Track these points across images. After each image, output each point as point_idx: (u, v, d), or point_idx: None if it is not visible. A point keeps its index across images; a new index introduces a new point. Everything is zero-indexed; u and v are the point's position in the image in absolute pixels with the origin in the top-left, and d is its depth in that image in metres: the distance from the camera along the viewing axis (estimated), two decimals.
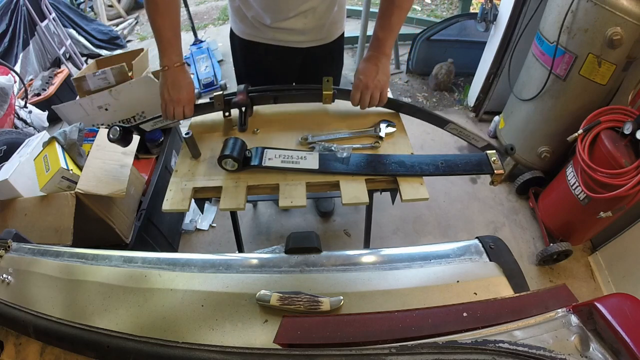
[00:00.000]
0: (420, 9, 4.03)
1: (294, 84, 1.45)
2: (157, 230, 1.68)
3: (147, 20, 4.46)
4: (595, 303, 0.39)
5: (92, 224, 1.32)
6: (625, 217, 1.48)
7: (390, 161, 1.04)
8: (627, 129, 1.31)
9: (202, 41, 3.19)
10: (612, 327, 0.37)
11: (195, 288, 0.58)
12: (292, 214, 2.04)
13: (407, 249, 0.64)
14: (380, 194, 1.12)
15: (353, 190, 0.99)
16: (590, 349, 0.37)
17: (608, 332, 0.37)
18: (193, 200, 1.04)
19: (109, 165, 1.32)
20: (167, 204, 1.00)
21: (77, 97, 1.71)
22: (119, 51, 3.40)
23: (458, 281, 0.56)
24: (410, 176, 1.01)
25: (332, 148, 1.07)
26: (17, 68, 2.78)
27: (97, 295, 0.59)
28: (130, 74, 1.72)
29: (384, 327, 0.42)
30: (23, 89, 2.50)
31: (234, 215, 1.34)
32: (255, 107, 1.20)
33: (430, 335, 0.39)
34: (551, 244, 1.66)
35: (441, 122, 1.12)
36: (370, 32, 3.09)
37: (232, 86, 2.99)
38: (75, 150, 1.34)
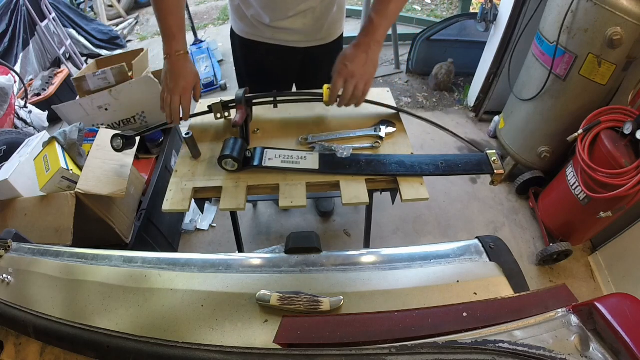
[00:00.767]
0: (420, 9, 4.02)
1: (294, 83, 1.45)
2: (157, 230, 1.68)
3: (147, 21, 4.43)
4: (595, 303, 0.39)
5: (92, 224, 1.32)
6: (625, 217, 1.48)
7: (390, 161, 1.04)
8: (627, 129, 1.31)
9: (202, 41, 3.19)
10: (612, 327, 0.37)
11: (195, 288, 0.58)
12: (292, 214, 2.04)
13: (407, 249, 0.64)
14: (380, 194, 1.12)
15: (353, 190, 0.99)
16: (590, 349, 0.37)
17: (608, 332, 0.37)
18: (193, 200, 1.04)
19: (109, 165, 1.32)
20: (167, 204, 1.00)
21: (77, 97, 1.71)
22: (119, 51, 3.40)
23: (458, 281, 0.56)
24: (410, 176, 1.01)
25: (332, 148, 1.07)
26: (17, 68, 2.78)
27: (97, 295, 0.59)
28: (130, 74, 1.72)
29: (384, 327, 0.42)
30: (23, 89, 2.50)
31: (234, 215, 1.34)
32: (255, 107, 1.20)
33: (430, 335, 0.39)
34: (551, 244, 1.66)
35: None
36: None
37: (232, 86, 2.99)
38: (75, 150, 1.34)
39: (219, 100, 1.15)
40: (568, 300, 0.44)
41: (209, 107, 1.16)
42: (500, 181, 1.03)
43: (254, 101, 1.14)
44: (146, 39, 3.98)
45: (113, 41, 3.62)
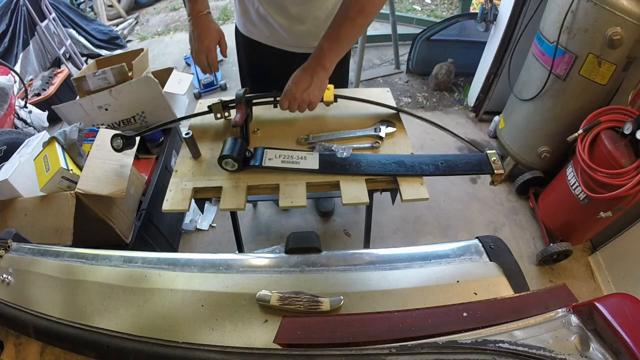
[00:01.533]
0: (420, 9, 4.03)
1: None
2: (157, 230, 1.68)
3: (147, 21, 4.42)
4: (595, 303, 0.39)
5: (92, 224, 1.32)
6: (625, 217, 1.48)
7: (390, 161, 1.04)
8: (627, 129, 1.31)
9: None
10: (612, 327, 0.37)
11: (195, 288, 0.58)
12: (292, 214, 2.04)
13: (407, 249, 0.64)
14: (380, 194, 1.12)
15: (353, 190, 0.99)
16: (590, 349, 0.37)
17: (608, 332, 0.37)
18: (193, 200, 1.04)
19: (109, 165, 1.32)
20: (167, 204, 1.00)
21: (77, 97, 1.71)
22: (119, 51, 3.40)
23: (458, 281, 0.56)
24: (410, 176, 1.01)
25: (332, 148, 1.07)
26: (17, 68, 2.78)
27: (97, 295, 0.59)
28: (130, 74, 1.72)
29: (384, 327, 0.42)
30: (23, 89, 2.50)
31: (234, 215, 1.34)
32: (255, 107, 1.20)
33: (430, 335, 0.39)
34: (551, 244, 1.66)
35: None
36: (370, 32, 3.10)
37: (232, 86, 2.99)
38: (75, 150, 1.34)
39: (219, 100, 1.15)
40: (568, 300, 0.44)
41: (209, 107, 1.16)
42: (500, 181, 1.03)
43: (254, 101, 1.14)
44: (146, 39, 3.98)
45: (113, 41, 3.62)
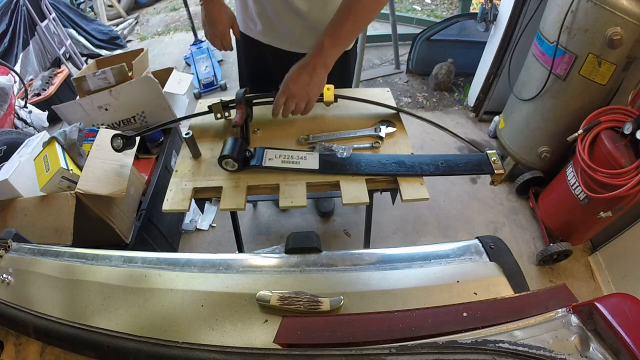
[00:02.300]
0: (420, 9, 4.02)
1: None
2: (157, 230, 1.68)
3: (147, 21, 4.42)
4: (595, 303, 0.39)
5: (92, 224, 1.32)
6: (625, 217, 1.48)
7: (390, 161, 1.04)
8: (627, 129, 1.31)
9: (202, 41, 3.19)
10: (612, 327, 0.37)
11: (195, 288, 0.58)
12: (292, 214, 2.04)
13: (407, 249, 0.64)
14: (381, 194, 1.12)
15: (353, 190, 0.99)
16: (590, 349, 0.37)
17: (608, 332, 0.37)
18: (193, 200, 1.04)
19: (109, 165, 1.32)
20: (167, 204, 1.00)
21: (77, 97, 1.71)
22: (119, 51, 3.40)
23: (458, 281, 0.56)
24: (411, 176, 1.01)
25: (333, 148, 1.07)
26: (17, 68, 2.78)
27: (97, 295, 0.59)
28: (130, 74, 1.72)
29: (384, 327, 0.42)
30: (23, 89, 2.50)
31: (234, 215, 1.34)
32: (255, 107, 1.20)
33: (430, 335, 0.39)
34: (551, 244, 1.66)
35: None
36: (370, 32, 3.10)
37: (232, 86, 2.99)
38: (75, 150, 1.34)
39: (219, 100, 1.15)
40: (568, 300, 0.44)
41: (209, 107, 1.16)
42: (500, 181, 1.03)
43: (254, 101, 1.14)
44: (146, 39, 3.98)
45: (113, 41, 3.62)
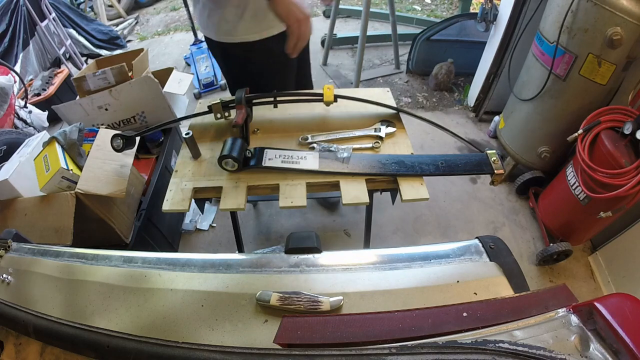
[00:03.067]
0: (420, 9, 4.02)
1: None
2: (157, 230, 1.68)
3: (147, 21, 4.43)
4: (595, 303, 0.39)
5: (92, 224, 1.32)
6: (625, 217, 1.47)
7: (390, 161, 1.04)
8: (627, 129, 1.31)
9: (202, 41, 3.18)
10: (612, 327, 0.37)
11: (195, 288, 0.58)
12: (292, 214, 2.04)
13: (407, 249, 0.64)
14: (380, 194, 1.12)
15: (353, 190, 0.99)
16: (590, 349, 0.37)
17: (608, 332, 0.37)
18: (193, 200, 1.04)
19: (109, 165, 1.32)
20: (167, 204, 1.00)
21: (77, 97, 1.71)
22: (119, 51, 3.40)
23: (458, 281, 0.56)
24: (411, 176, 1.01)
25: (332, 148, 1.07)
26: (17, 68, 2.78)
27: (97, 295, 0.59)
28: (130, 74, 1.72)
29: (384, 327, 0.42)
30: (23, 89, 2.50)
31: (234, 215, 1.34)
32: (255, 107, 1.20)
33: (430, 335, 0.39)
34: (551, 244, 1.66)
35: None
36: (370, 32, 3.10)
37: None
38: (75, 150, 1.34)
39: (219, 100, 1.15)
40: (568, 300, 0.44)
41: (209, 107, 1.16)
42: (500, 181, 1.03)
43: (254, 101, 1.14)
44: (146, 39, 3.98)
45: (113, 41, 3.62)
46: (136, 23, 4.33)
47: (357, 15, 3.65)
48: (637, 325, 0.36)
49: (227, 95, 1.25)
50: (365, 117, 1.21)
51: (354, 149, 1.08)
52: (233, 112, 1.17)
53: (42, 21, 2.88)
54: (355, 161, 1.04)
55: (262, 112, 1.24)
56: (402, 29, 3.09)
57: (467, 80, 2.70)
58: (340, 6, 2.97)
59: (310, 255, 0.64)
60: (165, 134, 1.88)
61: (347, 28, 3.57)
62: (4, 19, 2.84)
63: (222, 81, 2.97)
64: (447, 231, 1.93)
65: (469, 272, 0.58)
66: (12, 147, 1.56)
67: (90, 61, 2.20)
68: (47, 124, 2.44)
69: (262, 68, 1.31)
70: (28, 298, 0.61)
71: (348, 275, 0.59)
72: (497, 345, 0.38)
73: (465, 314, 0.42)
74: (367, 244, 1.55)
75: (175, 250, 1.87)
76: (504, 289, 0.56)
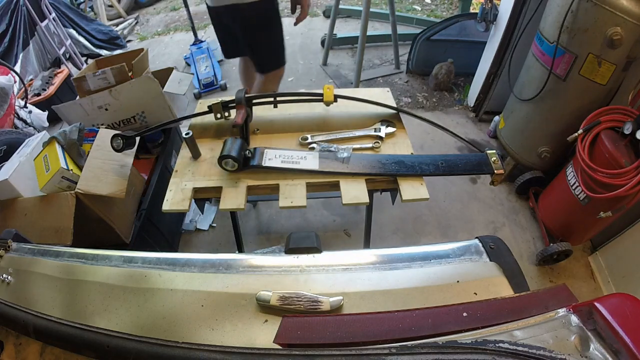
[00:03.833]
0: (420, 9, 4.02)
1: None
2: (157, 230, 1.68)
3: (147, 21, 4.46)
4: (595, 303, 0.39)
5: (92, 224, 1.32)
6: (625, 217, 1.47)
7: (390, 161, 1.04)
8: (627, 129, 1.30)
9: (202, 41, 3.19)
10: (612, 327, 0.37)
11: (195, 288, 0.58)
12: (292, 214, 2.04)
13: (407, 249, 0.64)
14: (380, 194, 1.12)
15: (353, 190, 0.99)
16: (590, 349, 0.37)
17: (608, 332, 0.37)
18: (193, 201, 1.04)
19: (109, 165, 1.32)
20: (167, 204, 1.00)
21: (77, 97, 1.71)
22: (119, 51, 3.40)
23: (458, 281, 0.56)
24: (410, 176, 1.01)
25: (332, 148, 1.07)
26: (17, 68, 2.78)
27: (97, 295, 0.59)
28: (130, 74, 1.72)
29: (384, 327, 0.42)
30: (23, 89, 2.50)
31: (234, 215, 1.34)
32: (255, 107, 1.20)
33: (430, 335, 0.39)
34: (551, 244, 1.66)
35: None
36: (370, 32, 3.10)
37: (232, 86, 2.99)
38: (75, 150, 1.34)
39: (219, 100, 1.15)
40: (568, 300, 0.44)
41: (209, 107, 1.16)
42: (500, 181, 1.03)
43: (254, 101, 1.14)
44: (146, 39, 3.98)
45: (113, 41, 3.62)
46: (136, 23, 4.33)
47: (357, 15, 3.65)
48: (637, 325, 0.36)
49: (227, 95, 1.25)
50: (365, 117, 1.21)
51: (354, 149, 1.08)
52: (233, 112, 1.17)
53: (42, 21, 2.88)
54: (355, 161, 1.04)
55: (262, 112, 1.24)
56: (402, 29, 3.09)
57: (467, 80, 2.70)
58: (340, 6, 2.97)
59: (310, 255, 0.64)
60: (165, 134, 1.88)
61: (347, 28, 3.57)
62: (4, 19, 2.84)
63: (222, 81, 2.97)
64: (447, 231, 1.93)
65: (469, 272, 0.58)
66: (12, 147, 1.56)
67: (90, 61, 2.20)
68: (47, 124, 2.44)
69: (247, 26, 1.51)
70: (28, 298, 0.61)
71: (348, 275, 0.59)
72: (497, 345, 0.38)
73: (465, 314, 0.42)
74: (367, 244, 1.55)
75: (175, 250, 1.87)
76: (504, 289, 0.56)
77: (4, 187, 1.25)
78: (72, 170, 1.26)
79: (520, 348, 0.37)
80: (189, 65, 3.28)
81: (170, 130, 1.91)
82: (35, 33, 2.95)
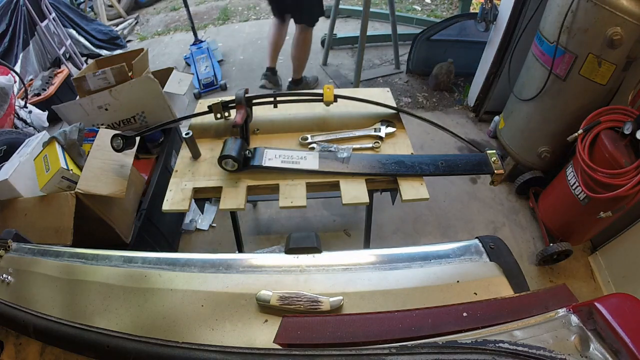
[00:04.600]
0: (420, 9, 4.02)
1: None
2: (157, 230, 1.68)
3: (147, 21, 4.50)
4: (595, 303, 0.39)
5: (92, 224, 1.32)
6: (625, 217, 1.47)
7: (390, 161, 1.04)
8: (627, 129, 1.30)
9: (202, 41, 3.19)
10: (612, 327, 0.37)
11: (195, 288, 0.58)
12: (292, 214, 2.04)
13: (407, 249, 0.64)
14: (380, 194, 1.12)
15: (353, 191, 0.99)
16: (590, 349, 0.37)
17: (608, 332, 0.37)
18: (193, 201, 1.04)
19: (109, 165, 1.32)
20: (167, 204, 1.00)
21: (77, 97, 1.71)
22: (119, 51, 3.40)
23: (458, 281, 0.56)
24: (410, 176, 1.01)
25: (332, 148, 1.07)
26: (17, 68, 2.78)
27: (97, 295, 0.59)
28: (130, 74, 1.72)
29: (384, 327, 0.42)
30: (23, 89, 2.50)
31: (234, 215, 1.34)
32: (255, 107, 1.20)
33: (430, 335, 0.39)
34: (551, 244, 1.65)
35: None
36: (370, 32, 3.10)
37: (232, 86, 2.99)
38: (75, 150, 1.34)
39: (219, 100, 1.15)
40: (568, 300, 0.43)
41: (209, 107, 1.16)
42: (500, 181, 1.03)
43: (254, 101, 1.14)
44: (146, 39, 3.98)
45: (113, 41, 3.62)
46: (136, 23, 4.32)
47: (357, 15, 3.65)
48: (637, 325, 0.36)
49: (227, 95, 1.25)
50: (365, 117, 1.21)
51: (354, 149, 1.08)
52: (233, 112, 1.17)
53: (42, 21, 2.88)
54: (355, 161, 1.04)
55: (262, 112, 1.24)
56: (402, 29, 3.09)
57: (467, 80, 2.70)
58: (340, 6, 2.97)
59: (310, 255, 0.64)
60: (165, 134, 1.88)
61: (347, 28, 3.57)
62: (4, 19, 2.84)
63: (222, 81, 2.97)
64: (447, 231, 1.93)
65: (469, 272, 0.58)
66: (12, 147, 1.56)
67: (90, 61, 2.20)
68: (47, 124, 2.44)
69: None
70: (28, 298, 0.61)
71: (348, 275, 0.59)
72: (497, 345, 0.38)
73: (465, 314, 0.42)
74: (367, 244, 1.55)
75: (175, 250, 1.87)
76: (504, 289, 0.56)
77: (4, 187, 1.25)
78: (72, 170, 1.26)
79: (520, 348, 0.37)
80: (189, 65, 3.28)
81: (170, 130, 1.91)
82: (35, 33, 2.95)
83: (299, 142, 1.14)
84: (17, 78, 2.37)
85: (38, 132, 1.89)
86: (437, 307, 0.44)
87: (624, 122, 1.33)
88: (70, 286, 0.62)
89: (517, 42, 1.96)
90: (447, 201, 2.06)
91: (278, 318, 0.48)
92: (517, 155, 1.95)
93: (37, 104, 2.53)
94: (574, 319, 0.40)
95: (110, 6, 4.22)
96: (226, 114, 1.19)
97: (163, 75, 1.81)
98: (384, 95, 1.31)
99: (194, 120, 1.24)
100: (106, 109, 1.65)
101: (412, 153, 1.09)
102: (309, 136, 1.14)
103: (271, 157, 1.04)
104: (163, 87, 1.70)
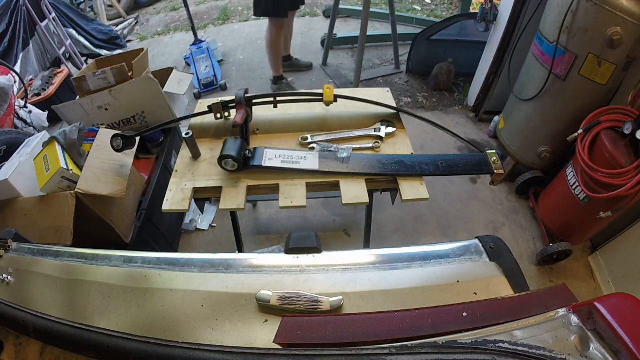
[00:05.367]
0: (420, 9, 4.02)
1: None
2: (157, 230, 1.68)
3: (147, 21, 4.50)
4: (595, 303, 0.39)
5: (92, 224, 1.32)
6: (625, 217, 1.47)
7: (390, 161, 1.04)
8: (627, 129, 1.30)
9: (202, 41, 3.19)
10: (612, 327, 0.37)
11: (195, 288, 0.58)
12: (292, 214, 2.04)
13: (407, 249, 0.64)
14: (380, 194, 1.12)
15: (353, 191, 0.99)
16: (590, 349, 0.37)
17: (608, 332, 0.37)
18: (193, 200, 1.04)
19: (109, 165, 1.32)
20: (167, 204, 1.00)
21: (77, 97, 1.71)
22: (119, 51, 3.40)
23: (458, 281, 0.56)
24: (410, 176, 1.01)
25: (332, 149, 1.07)
26: (17, 68, 2.78)
27: (97, 295, 0.59)
28: (130, 74, 1.72)
29: (384, 327, 0.42)
30: (23, 89, 2.50)
31: (234, 215, 1.34)
32: (255, 107, 1.20)
33: (430, 335, 0.39)
34: (551, 244, 1.65)
35: None
36: (370, 32, 3.10)
37: (232, 86, 2.99)
38: (75, 150, 1.34)
39: (219, 100, 1.15)
40: (568, 300, 0.44)
41: (209, 107, 1.16)
42: (500, 181, 1.03)
43: (254, 101, 1.14)
44: (146, 39, 3.98)
45: (113, 41, 3.62)
46: (136, 23, 4.33)
47: (357, 15, 3.65)
48: (637, 325, 0.36)
49: (227, 95, 1.25)
50: (365, 117, 1.21)
51: (354, 149, 1.08)
52: (233, 112, 1.17)
53: (42, 21, 2.88)
54: (355, 161, 1.04)
55: (262, 112, 1.24)
56: (402, 29, 3.09)
57: (467, 80, 2.70)
58: (340, 6, 2.97)
59: (310, 255, 0.64)
60: (165, 134, 1.88)
61: (347, 28, 3.57)
62: (4, 19, 2.84)
63: (222, 81, 2.97)
64: (447, 231, 1.93)
65: (469, 272, 0.58)
66: (12, 147, 1.56)
67: (90, 61, 2.20)
68: (47, 124, 2.44)
69: None
70: (28, 298, 0.61)
71: (348, 275, 0.59)
72: (497, 345, 0.38)
73: (465, 314, 0.42)
74: (367, 244, 1.55)
75: (175, 250, 1.87)
76: (504, 289, 0.56)
77: (4, 187, 1.25)
78: (72, 170, 1.26)
79: (520, 348, 0.37)
80: (189, 65, 3.28)
81: (170, 130, 1.91)
82: (35, 33, 2.95)
83: (299, 142, 1.14)
84: (17, 78, 2.37)
85: (38, 132, 1.89)
86: (437, 307, 0.44)
87: (624, 122, 1.33)
88: (70, 286, 0.62)
89: (517, 42, 1.96)
90: (447, 201, 2.06)
91: (278, 318, 0.48)
92: (517, 155, 1.95)
93: (37, 104, 2.53)
94: (574, 319, 0.40)
95: (110, 6, 4.22)
96: (226, 114, 1.19)
97: (163, 75, 1.81)
98: (384, 95, 1.31)
99: (194, 120, 1.24)
100: (106, 109, 1.65)
101: (412, 153, 1.09)
102: (309, 136, 1.14)
103: (271, 157, 1.04)
104: (163, 87, 1.70)
